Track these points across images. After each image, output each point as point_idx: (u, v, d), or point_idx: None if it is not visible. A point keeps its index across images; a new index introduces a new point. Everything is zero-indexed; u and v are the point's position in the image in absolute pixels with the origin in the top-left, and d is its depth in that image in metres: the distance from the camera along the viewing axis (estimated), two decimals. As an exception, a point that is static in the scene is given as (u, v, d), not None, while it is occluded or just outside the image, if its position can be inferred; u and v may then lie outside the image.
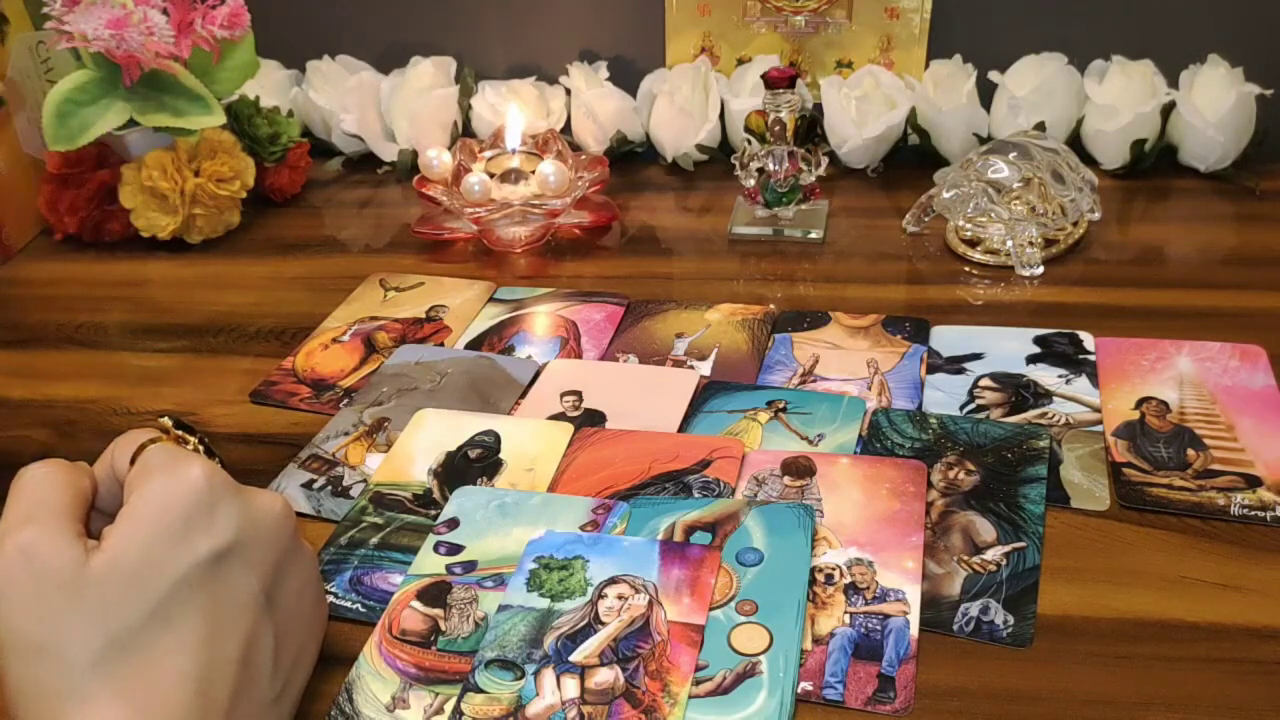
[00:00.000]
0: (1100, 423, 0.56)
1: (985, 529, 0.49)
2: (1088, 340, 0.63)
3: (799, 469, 0.53)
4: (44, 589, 0.34)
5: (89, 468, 0.40)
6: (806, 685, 0.42)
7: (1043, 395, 0.58)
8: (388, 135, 0.96)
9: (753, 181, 0.78)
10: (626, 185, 0.89)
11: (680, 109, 0.89)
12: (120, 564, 0.34)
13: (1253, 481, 0.51)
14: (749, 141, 0.78)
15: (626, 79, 0.94)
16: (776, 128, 0.76)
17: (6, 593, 0.34)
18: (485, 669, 0.43)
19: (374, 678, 0.43)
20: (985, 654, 0.43)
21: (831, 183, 0.86)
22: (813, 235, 0.78)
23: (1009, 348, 0.62)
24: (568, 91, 0.94)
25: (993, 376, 0.60)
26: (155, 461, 0.37)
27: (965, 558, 0.47)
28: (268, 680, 0.37)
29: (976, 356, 0.62)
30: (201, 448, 0.41)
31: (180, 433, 0.41)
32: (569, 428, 0.58)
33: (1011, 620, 0.44)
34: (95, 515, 0.39)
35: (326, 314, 0.72)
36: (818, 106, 0.89)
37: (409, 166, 0.92)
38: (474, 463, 0.56)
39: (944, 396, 0.59)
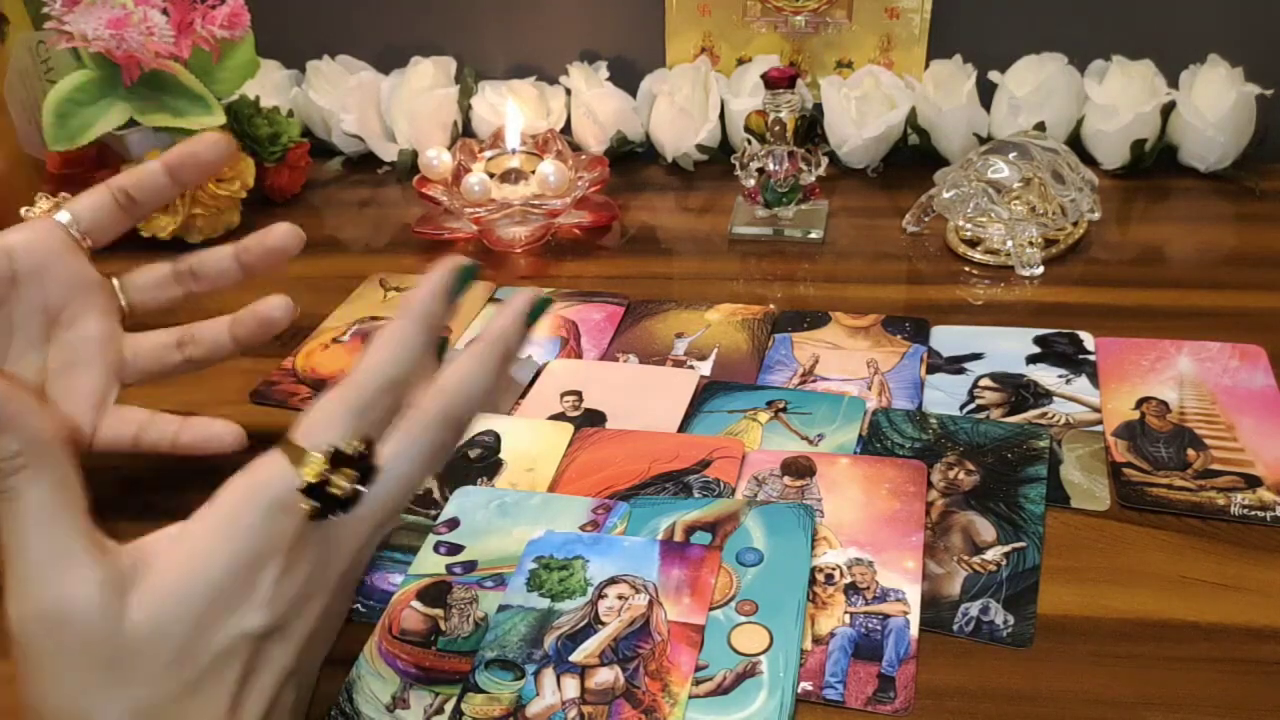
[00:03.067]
0: (1100, 423, 0.56)
1: (985, 529, 0.49)
2: (1088, 340, 0.63)
3: (799, 469, 0.53)
4: (75, 662, 0.31)
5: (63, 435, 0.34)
6: (806, 685, 0.42)
7: (1043, 395, 0.58)
8: (388, 135, 0.96)
9: (753, 181, 0.78)
10: (626, 185, 0.89)
11: (680, 109, 0.89)
12: (163, 641, 0.32)
13: (1253, 481, 0.51)
14: (749, 141, 0.78)
15: (626, 79, 0.94)
16: (776, 128, 0.76)
17: (34, 667, 0.31)
18: (485, 669, 0.43)
19: (374, 678, 0.43)
20: (985, 654, 0.43)
21: (831, 183, 0.86)
22: (813, 235, 0.78)
23: (1009, 348, 0.62)
24: (568, 91, 0.94)
25: (993, 376, 0.60)
26: (231, 501, 0.34)
27: (965, 558, 0.47)
28: None
29: (976, 356, 0.62)
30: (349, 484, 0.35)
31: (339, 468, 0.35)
32: (569, 428, 0.58)
33: (1011, 620, 0.44)
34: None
35: (326, 314, 0.72)
36: (818, 106, 0.89)
37: (409, 166, 0.92)
38: (474, 463, 0.56)
39: (944, 396, 0.59)
